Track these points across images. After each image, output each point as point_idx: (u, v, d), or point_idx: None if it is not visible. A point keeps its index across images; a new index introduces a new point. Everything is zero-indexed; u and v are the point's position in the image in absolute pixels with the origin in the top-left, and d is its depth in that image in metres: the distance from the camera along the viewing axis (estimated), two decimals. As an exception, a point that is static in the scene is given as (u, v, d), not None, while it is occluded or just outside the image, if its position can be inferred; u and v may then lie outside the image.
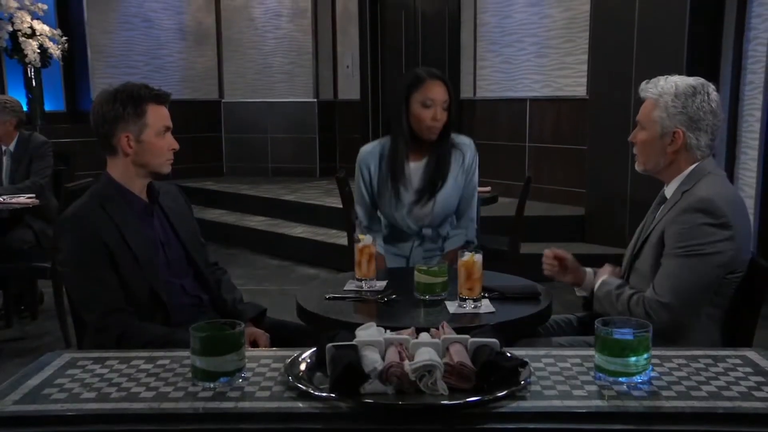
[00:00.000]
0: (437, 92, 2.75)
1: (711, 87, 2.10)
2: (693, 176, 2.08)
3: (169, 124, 2.17)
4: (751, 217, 4.71)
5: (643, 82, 2.17)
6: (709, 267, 1.99)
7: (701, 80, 2.10)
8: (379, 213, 3.02)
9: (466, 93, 7.22)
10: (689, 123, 2.06)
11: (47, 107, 7.38)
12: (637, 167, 2.22)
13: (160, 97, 2.13)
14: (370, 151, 2.94)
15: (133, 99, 2.07)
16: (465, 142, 2.95)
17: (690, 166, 2.10)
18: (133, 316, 2.03)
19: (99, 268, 2.01)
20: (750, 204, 4.76)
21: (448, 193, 2.89)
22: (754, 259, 2.05)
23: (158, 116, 2.12)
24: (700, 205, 2.00)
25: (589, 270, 2.30)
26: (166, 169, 2.19)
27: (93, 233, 2.02)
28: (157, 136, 2.12)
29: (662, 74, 2.17)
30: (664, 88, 2.09)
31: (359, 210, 2.99)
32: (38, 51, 6.82)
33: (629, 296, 2.09)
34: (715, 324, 2.07)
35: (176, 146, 2.18)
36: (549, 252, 2.30)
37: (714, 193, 2.02)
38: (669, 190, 2.15)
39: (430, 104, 2.74)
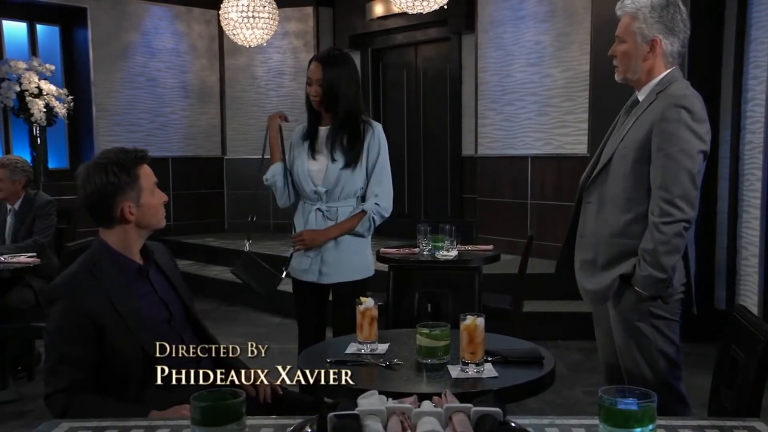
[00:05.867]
0: (312, 71, 3.16)
1: (680, 1, 2.39)
2: (665, 81, 2.35)
3: (155, 179, 2.19)
4: (755, 276, 4.70)
5: (619, 2, 2.42)
6: (697, 159, 2.28)
7: None
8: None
9: (467, 150, 7.28)
10: (665, 31, 2.34)
11: (51, 164, 7.43)
12: (617, 77, 2.46)
13: (144, 158, 2.14)
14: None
15: (125, 167, 2.07)
16: (373, 123, 3.39)
17: (663, 72, 2.37)
18: (82, 394, 1.95)
19: (72, 345, 1.97)
20: (754, 263, 4.74)
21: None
22: (757, 320, 2.03)
23: (147, 176, 2.14)
24: (680, 102, 2.27)
25: None
26: (163, 223, 2.22)
27: (78, 306, 1.98)
28: (151, 195, 2.14)
29: None
30: (640, 3, 2.36)
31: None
32: (44, 110, 6.90)
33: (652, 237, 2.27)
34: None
35: (166, 198, 2.22)
36: None
37: (690, 93, 2.32)
38: (642, 94, 2.40)
39: (310, 82, 3.17)
